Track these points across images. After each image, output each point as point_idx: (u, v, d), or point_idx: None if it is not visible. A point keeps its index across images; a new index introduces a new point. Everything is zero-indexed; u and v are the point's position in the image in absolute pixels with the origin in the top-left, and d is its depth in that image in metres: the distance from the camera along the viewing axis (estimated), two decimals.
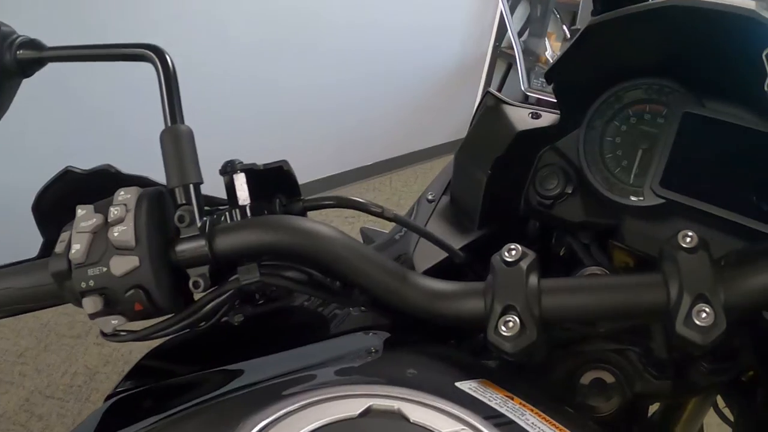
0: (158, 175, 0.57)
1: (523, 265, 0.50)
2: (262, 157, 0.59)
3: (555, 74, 0.66)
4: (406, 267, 0.71)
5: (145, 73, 0.56)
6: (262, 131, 3.35)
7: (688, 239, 0.48)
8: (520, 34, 3.53)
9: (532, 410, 0.45)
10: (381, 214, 0.60)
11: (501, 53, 3.74)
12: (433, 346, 0.64)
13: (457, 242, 0.72)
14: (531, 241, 0.82)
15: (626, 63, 0.68)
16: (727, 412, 0.84)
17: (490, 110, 0.76)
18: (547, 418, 0.45)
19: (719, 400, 0.83)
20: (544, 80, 0.69)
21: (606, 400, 0.66)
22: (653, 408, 0.82)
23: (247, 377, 0.61)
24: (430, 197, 0.80)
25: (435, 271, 0.70)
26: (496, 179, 0.72)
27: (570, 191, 0.71)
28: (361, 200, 0.61)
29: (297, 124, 3.47)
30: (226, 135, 3.13)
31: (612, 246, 0.71)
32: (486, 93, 0.78)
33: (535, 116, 0.74)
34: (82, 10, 2.55)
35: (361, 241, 1.30)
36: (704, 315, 0.45)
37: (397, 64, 3.78)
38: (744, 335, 0.69)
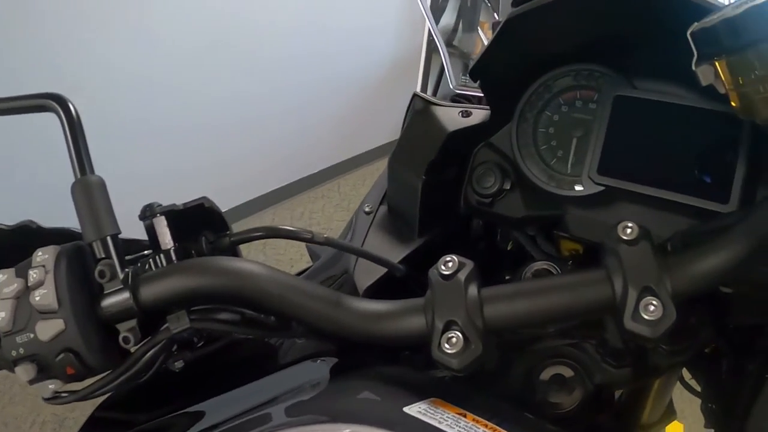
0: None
1: (461, 276, 0.48)
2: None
3: (479, 71, 0.65)
4: (348, 285, 0.69)
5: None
6: (197, 146, 3.27)
7: (629, 230, 0.48)
8: (454, 26, 3.53)
9: (486, 425, 0.44)
10: (312, 240, 0.58)
11: (437, 47, 3.75)
12: (382, 367, 0.62)
13: (398, 253, 0.71)
14: (475, 240, 0.82)
15: (552, 51, 0.67)
16: (693, 383, 0.85)
17: (419, 113, 0.74)
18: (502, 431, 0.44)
19: (685, 372, 0.83)
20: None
21: (568, 395, 0.66)
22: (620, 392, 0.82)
23: (208, 419, 0.60)
24: (367, 209, 0.78)
25: (378, 287, 0.68)
26: (432, 183, 0.70)
27: (508, 187, 0.70)
28: (290, 228, 0.60)
29: (234, 138, 3.41)
30: (159, 153, 3.05)
31: (558, 236, 0.71)
32: (413, 96, 0.76)
33: (466, 114, 0.73)
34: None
35: (309, 257, 1.28)
36: (652, 308, 0.45)
37: (332, 66, 3.76)
38: (701, 312, 0.69)
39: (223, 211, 0.59)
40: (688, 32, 0.46)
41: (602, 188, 0.63)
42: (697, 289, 0.47)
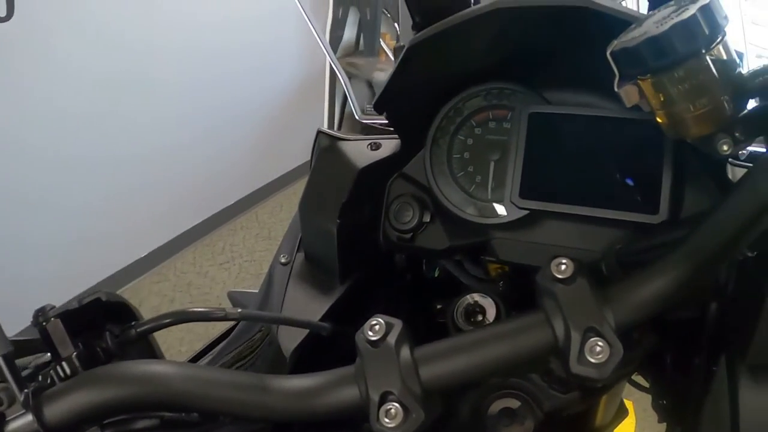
0: None
1: (391, 340, 0.45)
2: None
3: (384, 103, 0.62)
4: (273, 346, 0.64)
5: None
6: (96, 184, 3.07)
7: (563, 267, 0.46)
8: (356, 39, 3.53)
9: None
10: (225, 318, 0.56)
11: (340, 63, 3.74)
12: None
13: (321, 306, 0.67)
14: (401, 273, 0.80)
15: (460, 73, 0.66)
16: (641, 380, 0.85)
17: (326, 151, 0.71)
18: None
19: None
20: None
21: (520, 426, 0.64)
22: None
23: None
24: (283, 260, 0.74)
25: (305, 346, 0.64)
26: (348, 225, 0.67)
27: (428, 219, 0.68)
28: (200, 309, 0.57)
29: (137, 177, 3.25)
30: (53, 194, 2.88)
31: (485, 260, 0.69)
32: (318, 133, 0.73)
33: (375, 147, 0.70)
34: None
35: (230, 305, 1.22)
36: (598, 349, 0.43)
37: (236, 91, 3.67)
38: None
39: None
40: (608, 52, 0.45)
41: (526, 212, 0.62)
42: (641, 319, 0.45)
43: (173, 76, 3.27)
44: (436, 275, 0.80)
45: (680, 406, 0.69)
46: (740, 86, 0.45)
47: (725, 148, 0.45)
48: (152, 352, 0.60)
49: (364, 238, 0.71)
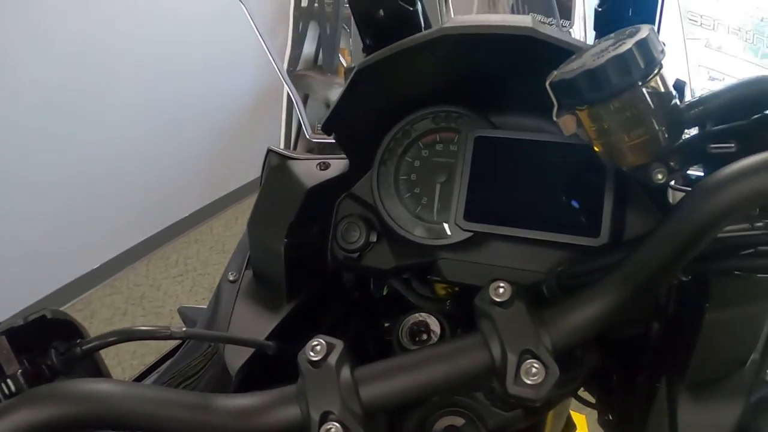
0: None
1: (332, 360, 0.46)
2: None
3: (332, 125, 0.63)
4: (219, 365, 0.64)
5: None
6: (51, 197, 3.03)
7: (501, 290, 0.47)
8: (315, 55, 3.55)
9: None
10: (170, 337, 0.56)
11: (298, 77, 3.72)
12: None
13: (267, 324, 0.67)
14: (349, 291, 0.80)
15: (408, 95, 0.67)
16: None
17: (275, 170, 0.72)
18: None
19: None
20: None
21: None
22: None
23: None
24: (231, 278, 0.74)
25: (251, 365, 0.64)
26: (296, 244, 0.68)
27: (375, 239, 0.69)
28: (145, 328, 0.57)
29: (97, 188, 3.22)
30: (2, 205, 2.82)
31: (432, 280, 0.70)
32: (268, 151, 0.74)
33: (324, 166, 0.71)
34: None
35: (180, 322, 1.20)
36: (534, 371, 0.44)
37: (191, 104, 3.64)
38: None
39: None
40: (547, 83, 0.47)
41: (470, 234, 0.63)
42: (578, 342, 0.47)
43: (127, 88, 3.24)
44: (384, 294, 0.81)
45: (625, 422, 0.71)
46: (676, 117, 0.47)
47: (659, 176, 0.47)
48: (98, 370, 0.59)
49: (313, 256, 0.71)
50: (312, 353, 0.47)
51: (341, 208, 0.71)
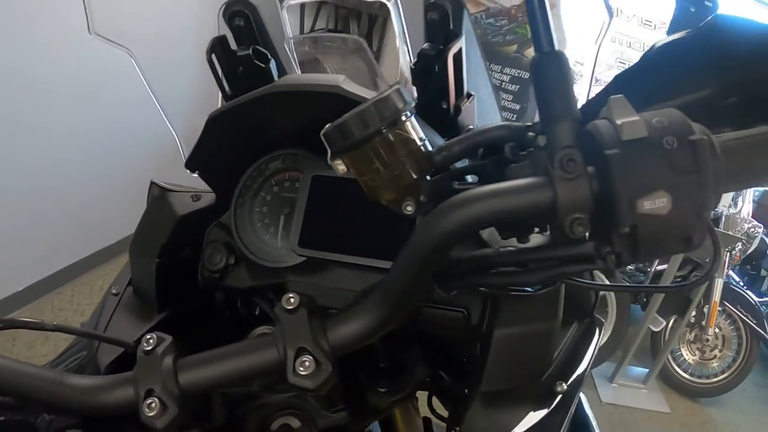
0: None
1: (159, 350, 0.58)
2: None
3: (193, 165, 0.76)
4: (92, 365, 0.75)
5: None
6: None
7: (291, 300, 0.58)
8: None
9: None
10: (42, 327, 0.64)
11: None
12: None
13: (138, 330, 0.78)
14: (222, 307, 0.90)
15: (262, 139, 0.78)
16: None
17: (155, 200, 0.83)
18: None
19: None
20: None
21: None
22: None
23: None
24: (114, 291, 0.85)
25: (119, 364, 0.75)
26: (167, 264, 0.79)
27: (233, 262, 0.80)
28: (23, 319, 0.65)
29: (25, 211, 3.23)
30: None
31: None
32: (150, 183, 0.86)
33: (196, 199, 0.83)
34: None
35: None
36: (307, 364, 0.55)
37: (126, 131, 3.67)
38: (413, 351, 0.83)
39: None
40: (322, 133, 0.56)
41: (304, 259, 0.74)
42: (352, 346, 0.58)
43: (61, 114, 3.28)
44: (257, 313, 0.90)
45: None
46: (424, 159, 0.56)
47: (410, 209, 0.56)
48: None
49: (184, 275, 0.82)
50: (145, 344, 0.58)
51: (210, 234, 0.82)
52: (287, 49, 0.84)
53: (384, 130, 0.53)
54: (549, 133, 0.49)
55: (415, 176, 0.56)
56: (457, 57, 0.74)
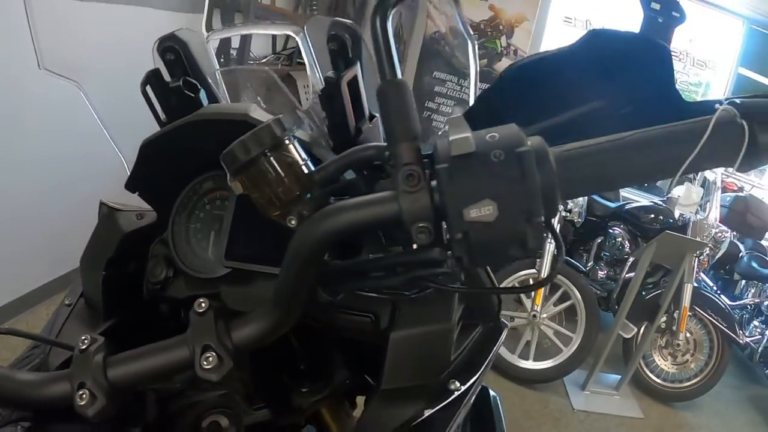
0: None
1: (91, 349, 0.65)
2: None
3: (132, 187, 0.83)
4: (45, 366, 0.83)
5: None
6: None
7: (202, 305, 0.65)
8: None
9: None
10: None
11: None
12: (58, 425, 0.74)
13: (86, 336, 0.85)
14: (167, 317, 0.95)
15: (192, 162, 0.84)
16: None
17: (104, 218, 0.90)
18: None
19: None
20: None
21: None
22: None
23: None
24: (67, 302, 0.92)
25: (66, 365, 0.79)
26: (113, 276, 0.86)
27: (172, 275, 0.87)
28: None
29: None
30: None
31: None
32: (100, 203, 0.94)
33: (140, 217, 0.90)
34: None
35: None
36: (210, 359, 0.62)
37: (94, 161, 3.71)
38: (334, 355, 0.91)
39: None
40: (221, 156, 0.61)
41: (229, 269, 0.81)
42: (254, 345, 0.65)
43: (28, 144, 3.33)
44: None
45: None
46: (305, 178, 0.62)
47: (293, 222, 0.62)
48: None
49: (130, 287, 0.89)
50: (81, 344, 0.66)
51: (153, 249, 0.89)
52: (217, 80, 0.93)
53: (268, 154, 0.60)
54: (393, 152, 0.55)
55: (297, 193, 0.62)
56: (353, 83, 0.81)
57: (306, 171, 0.62)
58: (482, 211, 0.50)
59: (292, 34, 0.85)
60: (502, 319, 0.91)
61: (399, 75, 0.55)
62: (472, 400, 0.78)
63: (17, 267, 3.43)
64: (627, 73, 0.70)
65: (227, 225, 0.82)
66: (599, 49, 0.68)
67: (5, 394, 0.65)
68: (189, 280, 0.87)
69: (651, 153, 0.56)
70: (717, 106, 0.56)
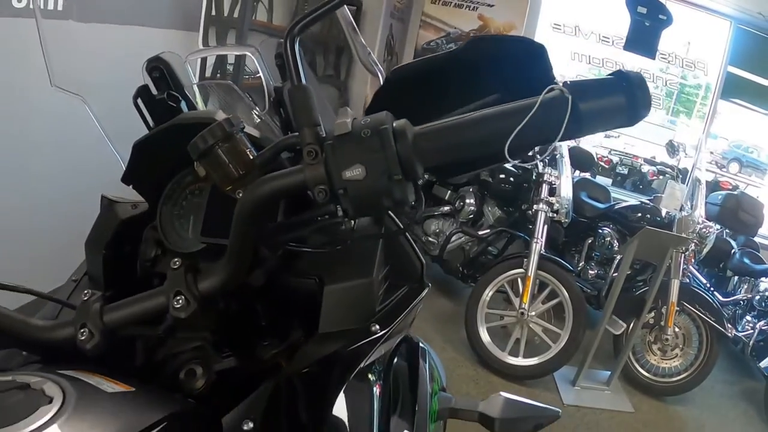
0: None
1: (92, 299, 0.83)
2: None
3: (127, 180, 1.03)
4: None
5: None
6: None
7: (177, 263, 0.80)
8: None
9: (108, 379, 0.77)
10: (15, 289, 0.88)
11: None
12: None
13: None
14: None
15: (175, 159, 1.00)
16: None
17: (105, 208, 1.08)
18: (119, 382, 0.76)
19: None
20: None
21: (201, 381, 0.93)
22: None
23: None
24: (73, 279, 1.11)
25: None
26: (112, 256, 1.04)
27: (161, 253, 1.04)
28: None
29: None
30: None
31: None
32: (102, 197, 1.14)
33: (134, 207, 1.08)
34: None
35: None
36: (180, 302, 0.78)
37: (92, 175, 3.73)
38: (291, 314, 1.06)
39: None
40: (188, 147, 0.76)
41: (204, 245, 0.97)
42: (216, 292, 0.80)
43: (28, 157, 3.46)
44: None
45: None
46: (249, 162, 0.77)
47: (239, 194, 0.76)
48: None
49: (127, 266, 1.06)
50: (84, 296, 0.83)
51: (145, 234, 1.06)
52: (194, 92, 1.14)
53: (220, 144, 0.76)
54: (300, 136, 0.74)
55: (243, 172, 0.78)
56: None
57: (251, 157, 0.79)
58: (354, 172, 0.70)
59: (249, 54, 1.06)
60: (426, 281, 1.09)
61: (303, 81, 0.77)
62: (394, 344, 0.96)
63: (24, 276, 3.52)
64: (508, 69, 0.89)
65: (203, 210, 0.99)
66: (480, 50, 0.88)
67: (22, 336, 0.82)
68: (174, 256, 1.06)
69: (490, 125, 0.73)
70: (552, 86, 0.72)
